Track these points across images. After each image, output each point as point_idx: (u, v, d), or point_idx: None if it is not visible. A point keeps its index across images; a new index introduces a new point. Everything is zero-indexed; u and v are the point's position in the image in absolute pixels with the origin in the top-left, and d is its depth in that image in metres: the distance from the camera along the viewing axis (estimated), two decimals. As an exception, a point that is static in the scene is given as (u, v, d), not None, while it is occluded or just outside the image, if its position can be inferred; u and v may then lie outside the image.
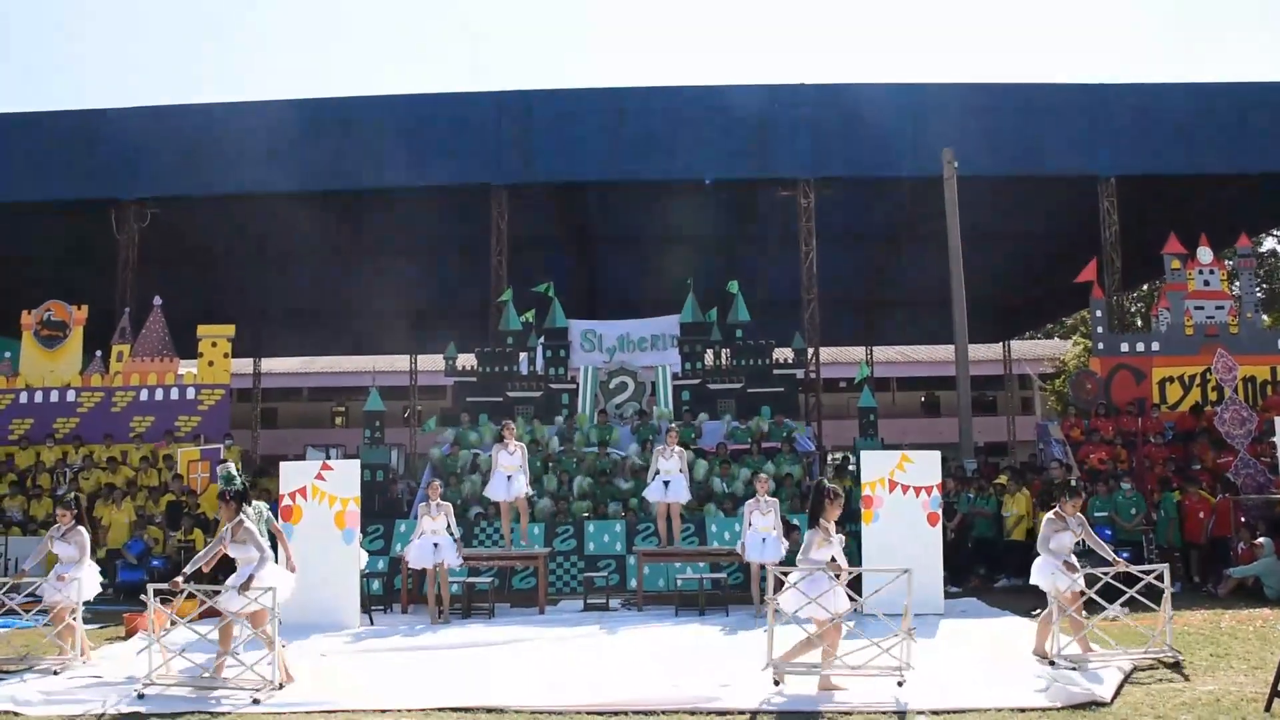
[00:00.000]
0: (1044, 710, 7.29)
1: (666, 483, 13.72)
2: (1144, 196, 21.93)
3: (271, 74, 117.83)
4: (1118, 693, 7.68)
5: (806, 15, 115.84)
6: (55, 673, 9.22)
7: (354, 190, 22.02)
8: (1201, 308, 18.69)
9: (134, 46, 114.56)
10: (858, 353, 37.60)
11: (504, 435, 13.66)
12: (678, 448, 13.98)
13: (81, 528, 10.19)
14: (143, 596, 8.74)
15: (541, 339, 19.53)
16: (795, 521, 14.61)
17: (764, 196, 22.57)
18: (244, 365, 33.87)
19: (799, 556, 8.51)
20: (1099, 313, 18.90)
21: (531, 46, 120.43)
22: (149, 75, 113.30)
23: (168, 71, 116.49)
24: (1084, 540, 9.25)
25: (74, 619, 9.81)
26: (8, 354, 20.32)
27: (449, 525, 12.61)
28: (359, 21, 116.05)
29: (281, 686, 8.31)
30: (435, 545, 12.40)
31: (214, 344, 19.95)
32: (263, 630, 8.49)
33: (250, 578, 8.68)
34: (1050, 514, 9.29)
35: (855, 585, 12.58)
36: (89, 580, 10.06)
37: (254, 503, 11.31)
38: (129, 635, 11.37)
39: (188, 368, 20.17)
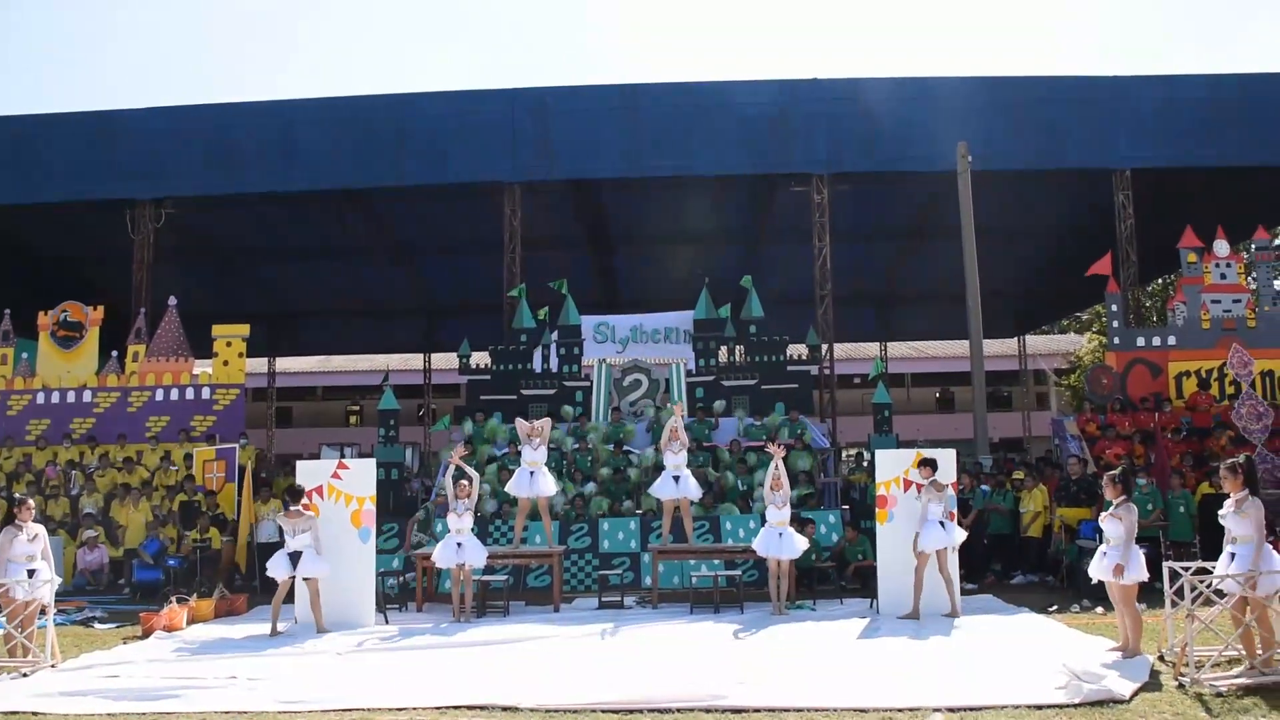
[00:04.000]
0: (1060, 707, 7.24)
1: (676, 478, 13.69)
2: (1160, 189, 21.78)
3: (286, 73, 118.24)
4: (1138, 691, 7.64)
5: (821, 9, 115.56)
6: (25, 675, 9.08)
7: (369, 189, 22.04)
8: (1218, 301, 18.58)
9: (149, 48, 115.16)
10: (872, 349, 37.51)
11: (529, 432, 13.68)
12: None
13: (41, 526, 9.91)
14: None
15: (555, 336, 19.56)
16: (809, 517, 14.62)
17: (778, 192, 22.51)
18: (259, 364, 34.02)
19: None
20: (1114, 307, 18.80)
21: (545, 43, 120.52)
22: (165, 76, 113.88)
23: (183, 72, 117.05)
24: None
25: (42, 620, 9.66)
26: (25, 355, 20.43)
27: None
28: (376, 19, 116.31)
29: (54, 666, 9.05)
30: (459, 545, 12.43)
31: (229, 344, 20.02)
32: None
33: None
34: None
35: (872, 587, 12.63)
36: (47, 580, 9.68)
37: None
38: (146, 635, 11.43)
39: (203, 367, 20.26)
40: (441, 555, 12.50)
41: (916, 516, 11.89)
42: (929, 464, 11.99)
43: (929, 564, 11.69)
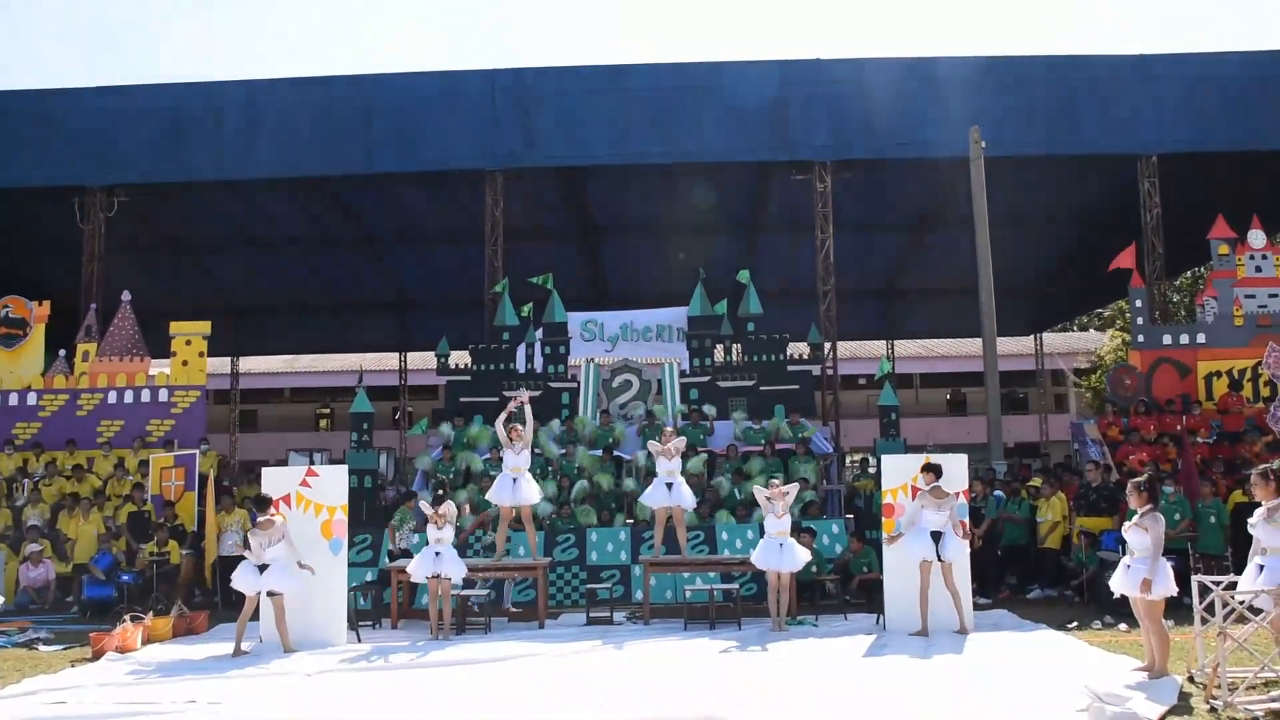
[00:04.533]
0: (1081, 732, 7.24)
1: (669, 485, 13.66)
2: (1188, 175, 21.77)
3: (250, 52, 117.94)
4: (1166, 715, 7.60)
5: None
6: None
7: (339, 176, 21.98)
8: (1253, 296, 18.60)
9: (98, 18, 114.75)
10: (878, 347, 37.55)
11: (511, 436, 13.65)
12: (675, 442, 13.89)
13: None
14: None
15: (540, 334, 19.52)
16: (811, 526, 14.62)
17: (778, 180, 22.51)
18: (221, 364, 33.90)
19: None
20: (1139, 302, 18.82)
21: (527, 19, 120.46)
22: (115, 52, 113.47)
23: (136, 48, 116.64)
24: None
25: None
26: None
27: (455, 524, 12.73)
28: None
29: None
30: (437, 555, 12.39)
31: (188, 342, 19.93)
32: None
33: None
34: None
35: (878, 602, 12.63)
36: None
37: None
38: (97, 657, 11.31)
39: (160, 368, 20.14)
40: (418, 568, 12.47)
41: (911, 523, 11.88)
42: (931, 470, 11.98)
43: (935, 577, 11.68)
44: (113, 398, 19.67)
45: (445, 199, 23.69)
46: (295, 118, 21.20)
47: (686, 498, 13.80)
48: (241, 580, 11.61)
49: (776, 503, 12.60)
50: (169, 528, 16.15)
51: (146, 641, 12.13)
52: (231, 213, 24.58)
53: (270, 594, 11.54)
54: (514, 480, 13.48)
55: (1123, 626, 11.50)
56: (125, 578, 15.27)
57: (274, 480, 12.45)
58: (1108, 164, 21.72)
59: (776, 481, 13.20)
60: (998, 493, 16.01)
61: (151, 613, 12.99)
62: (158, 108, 21.32)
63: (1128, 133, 20.87)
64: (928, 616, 11.59)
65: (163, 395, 19.71)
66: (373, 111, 21.14)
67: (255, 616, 11.75)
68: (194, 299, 27.67)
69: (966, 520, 12.33)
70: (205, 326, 20.11)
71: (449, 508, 12.69)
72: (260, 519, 11.80)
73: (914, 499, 12.07)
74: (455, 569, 12.50)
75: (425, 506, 13.02)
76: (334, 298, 31.14)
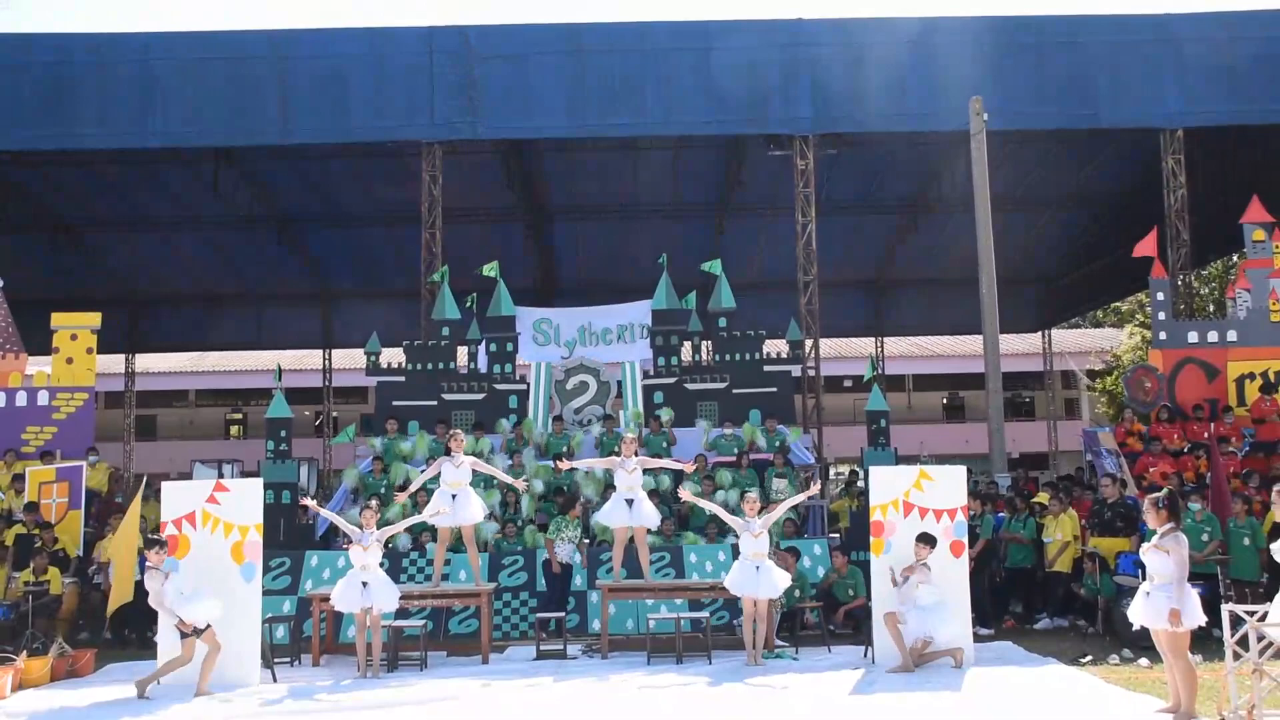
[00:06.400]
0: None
1: (629, 501, 13.64)
2: (1219, 151, 21.95)
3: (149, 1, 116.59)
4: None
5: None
6: None
7: (251, 147, 21.81)
8: (1292, 288, 18.75)
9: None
10: (866, 345, 37.75)
11: (450, 446, 13.58)
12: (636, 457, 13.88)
13: None
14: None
15: (484, 330, 19.47)
16: (794, 546, 14.67)
17: (753, 157, 22.58)
18: (113, 363, 33.53)
19: None
20: (1161, 295, 18.92)
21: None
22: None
23: None
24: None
25: None
26: None
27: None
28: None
29: None
30: (365, 584, 12.30)
31: (74, 336, 19.69)
32: None
33: None
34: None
35: (866, 632, 12.70)
36: None
37: None
38: (-37, 699, 11.10)
39: (39, 366, 19.88)
40: (343, 597, 12.36)
41: (897, 591, 11.89)
42: (926, 541, 11.93)
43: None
44: (-20, 401, 19.35)
45: (375, 175, 23.59)
46: (199, 78, 20.89)
47: (649, 516, 13.75)
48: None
49: (753, 519, 12.60)
50: (48, 553, 15.79)
51: (19, 687, 11.86)
52: (124, 188, 24.29)
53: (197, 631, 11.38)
54: (453, 496, 13.41)
55: (1144, 662, 11.54)
56: (-2, 610, 14.92)
57: (176, 496, 12.27)
58: (1127, 139, 21.95)
59: (752, 495, 13.24)
60: (999, 514, 16.03)
61: (26, 652, 12.74)
62: (34, 63, 20.81)
63: (1149, 103, 20.98)
64: (907, 650, 11.65)
65: (42, 398, 19.41)
66: (291, 73, 20.93)
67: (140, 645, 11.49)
68: (81, 287, 27.37)
69: (965, 539, 12.40)
70: (95, 319, 19.81)
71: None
72: (149, 562, 11.56)
73: (909, 517, 12.13)
74: (387, 598, 12.40)
75: (346, 525, 12.88)
76: (247, 287, 30.93)
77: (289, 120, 20.88)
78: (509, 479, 14.72)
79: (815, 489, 14.06)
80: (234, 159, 22.92)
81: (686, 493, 14.04)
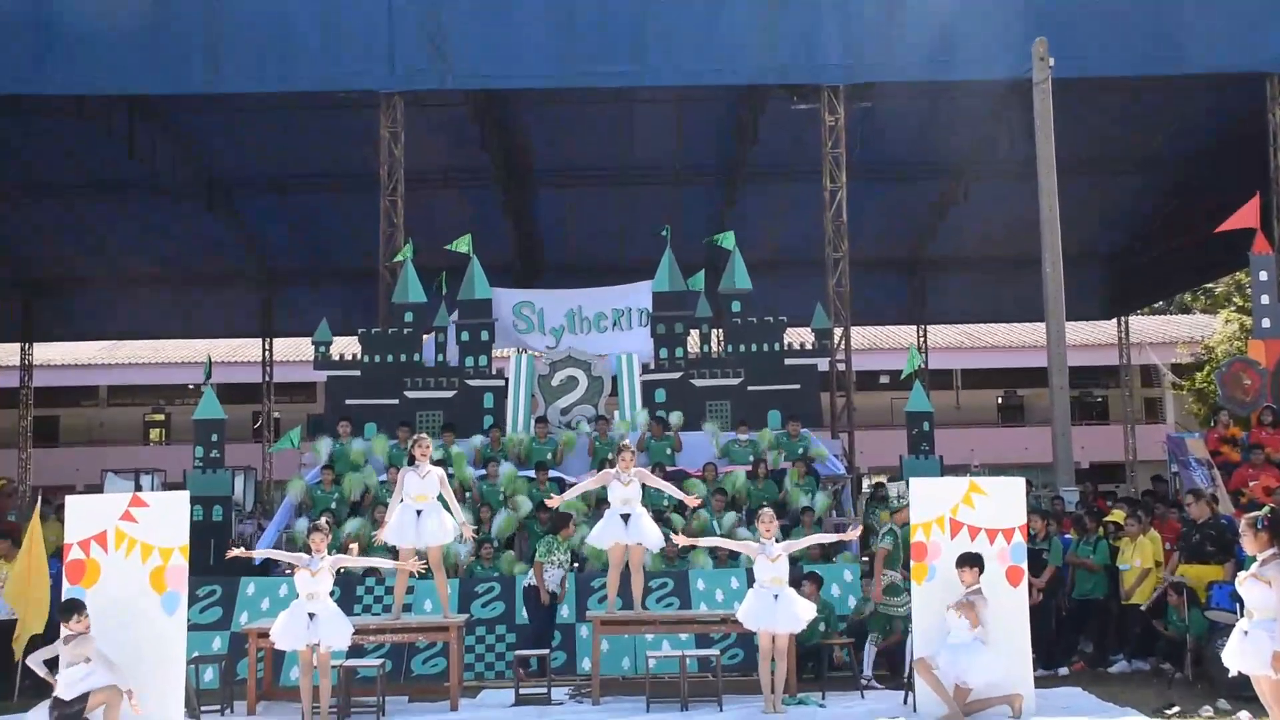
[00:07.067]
0: None
1: (625, 516, 13.60)
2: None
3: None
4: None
5: None
6: None
7: (173, 97, 21.78)
8: None
9: None
10: (906, 335, 37.78)
11: (414, 455, 13.53)
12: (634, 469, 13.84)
13: None
14: None
15: (455, 316, 19.48)
16: (815, 571, 14.64)
17: (772, 112, 22.59)
18: (6, 354, 33.54)
19: None
20: (1264, 274, 18.83)
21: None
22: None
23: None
24: None
25: None
26: None
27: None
28: None
29: None
30: (312, 616, 12.26)
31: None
32: None
33: None
34: None
35: (905, 674, 12.71)
36: None
37: None
38: None
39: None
40: (285, 632, 12.28)
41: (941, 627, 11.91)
42: (971, 563, 11.88)
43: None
44: None
45: (324, 133, 23.59)
46: (109, 13, 20.83)
47: (649, 534, 13.68)
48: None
49: (769, 541, 12.58)
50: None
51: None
52: (16, 145, 24.21)
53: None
54: (418, 513, 13.40)
55: (1244, 715, 11.45)
56: None
57: (83, 513, 12.13)
58: (1221, 86, 21.89)
59: (768, 513, 13.15)
60: (1065, 535, 15.99)
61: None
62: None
63: (1246, 44, 20.86)
64: (952, 699, 11.63)
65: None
66: (221, 8, 20.92)
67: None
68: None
69: (1024, 565, 12.36)
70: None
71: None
72: (68, 631, 11.37)
73: (957, 538, 12.12)
74: (338, 633, 12.32)
75: (290, 557, 12.82)
76: (170, 265, 30.93)
77: (219, 66, 20.79)
78: (456, 517, 13.96)
79: (854, 534, 13.90)
80: (153, 112, 22.90)
81: (682, 538, 13.68)
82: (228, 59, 20.78)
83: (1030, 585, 13.32)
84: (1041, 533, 15.56)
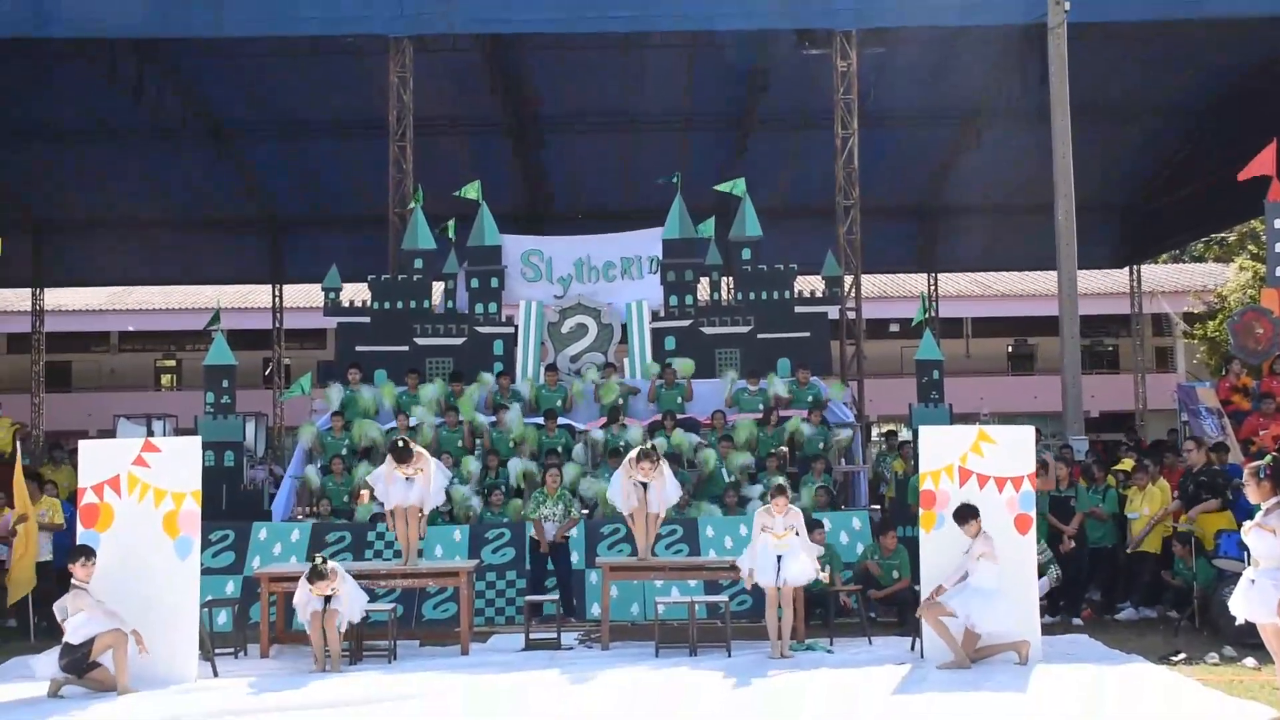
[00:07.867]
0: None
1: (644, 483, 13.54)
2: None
3: None
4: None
5: None
6: None
7: (180, 40, 21.68)
8: None
9: None
10: (916, 283, 37.73)
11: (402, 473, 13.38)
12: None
13: None
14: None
15: (464, 263, 19.48)
16: (822, 520, 14.65)
17: (783, 57, 22.46)
18: (18, 298, 33.53)
19: None
20: (1278, 223, 18.78)
21: None
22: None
23: None
24: None
25: None
26: None
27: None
28: None
29: None
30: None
31: (-33, 268, 19.71)
32: None
33: None
34: None
35: (913, 621, 12.77)
36: None
37: None
38: None
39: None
40: (303, 599, 12.33)
41: (954, 564, 11.87)
42: (972, 515, 11.79)
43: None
44: None
45: (332, 78, 23.47)
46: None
47: (670, 490, 13.64)
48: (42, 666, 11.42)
49: (777, 518, 12.45)
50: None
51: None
52: (22, 90, 24.14)
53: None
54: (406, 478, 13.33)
55: (1249, 662, 11.47)
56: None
57: (96, 458, 12.22)
58: (1240, 29, 21.63)
59: (782, 497, 12.73)
60: (1076, 483, 15.93)
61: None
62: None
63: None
64: (958, 644, 11.65)
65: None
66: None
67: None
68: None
69: (1032, 513, 12.34)
70: (-9, 245, 19.83)
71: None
72: (76, 578, 11.36)
73: (966, 485, 12.10)
74: (353, 604, 12.38)
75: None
76: (177, 211, 30.83)
77: (223, 9, 20.66)
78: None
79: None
80: (158, 57, 22.81)
81: (818, 569, 12.96)
82: (231, 2, 20.69)
83: (1062, 533, 13.42)
84: (1066, 481, 15.57)
